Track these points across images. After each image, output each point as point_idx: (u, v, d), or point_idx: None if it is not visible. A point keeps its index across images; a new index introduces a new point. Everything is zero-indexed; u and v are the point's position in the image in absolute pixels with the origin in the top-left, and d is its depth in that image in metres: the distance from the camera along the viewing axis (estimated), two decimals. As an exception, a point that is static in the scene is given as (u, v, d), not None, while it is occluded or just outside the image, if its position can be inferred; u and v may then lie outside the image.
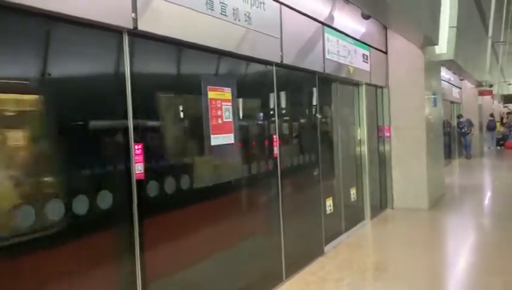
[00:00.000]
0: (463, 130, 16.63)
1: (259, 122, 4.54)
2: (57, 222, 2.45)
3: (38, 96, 2.48)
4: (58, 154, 2.58)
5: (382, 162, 8.14)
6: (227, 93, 3.93)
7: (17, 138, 2.36)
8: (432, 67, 8.76)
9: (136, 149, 2.93)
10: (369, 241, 6.65)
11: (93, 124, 2.74)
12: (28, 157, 2.43)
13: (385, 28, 8.09)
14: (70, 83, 2.64)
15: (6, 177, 2.27)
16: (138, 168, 2.94)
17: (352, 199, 6.98)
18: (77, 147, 2.67)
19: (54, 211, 2.42)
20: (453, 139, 16.68)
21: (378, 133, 8.07)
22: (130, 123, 2.90)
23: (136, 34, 2.94)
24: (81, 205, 2.57)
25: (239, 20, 3.92)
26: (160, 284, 3.16)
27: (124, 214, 2.88)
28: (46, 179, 2.50)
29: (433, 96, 8.71)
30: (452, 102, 16.44)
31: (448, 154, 15.18)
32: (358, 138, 7.34)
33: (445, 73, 13.01)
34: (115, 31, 2.82)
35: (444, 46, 9.29)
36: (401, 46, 8.06)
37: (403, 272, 4.96)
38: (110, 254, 2.83)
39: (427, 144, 8.03)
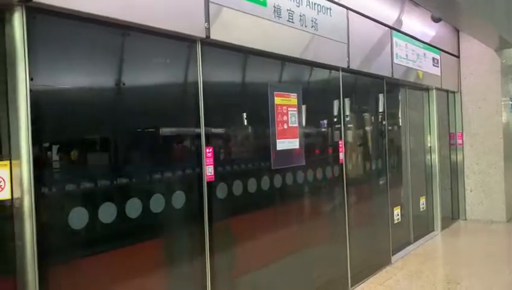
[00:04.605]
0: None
1: (325, 128, 4.53)
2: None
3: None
4: (140, 157, 2.77)
5: (454, 171, 7.77)
6: (293, 98, 3.97)
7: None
8: (510, 70, 8.24)
9: (207, 152, 3.06)
10: (440, 252, 6.36)
11: (171, 129, 2.91)
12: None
13: (457, 31, 7.76)
14: (146, 90, 2.82)
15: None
16: (209, 170, 3.07)
17: (422, 209, 6.72)
18: (155, 151, 2.84)
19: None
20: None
21: (449, 140, 7.73)
22: (202, 127, 3.03)
23: (208, 43, 3.08)
24: (157, 204, 2.74)
25: (306, 27, 3.96)
26: (227, 284, 3.25)
27: (196, 214, 3.01)
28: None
29: (511, 101, 8.18)
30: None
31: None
32: (429, 145, 7.06)
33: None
34: (189, 40, 2.98)
35: (523, 48, 8.70)
36: (474, 49, 7.68)
37: (477, 287, 4.69)
38: (182, 251, 2.97)
39: (505, 152, 7.54)
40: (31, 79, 2.14)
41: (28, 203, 2.09)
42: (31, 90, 2.13)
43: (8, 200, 2.06)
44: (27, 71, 2.12)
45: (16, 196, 2.08)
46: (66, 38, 2.35)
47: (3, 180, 2.04)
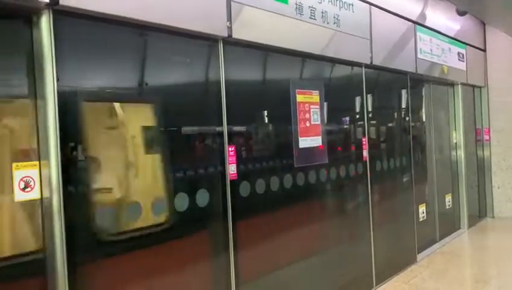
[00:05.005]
0: None
1: (348, 125, 4.49)
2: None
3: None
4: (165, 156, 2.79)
5: (481, 167, 7.58)
6: (315, 96, 3.95)
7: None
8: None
9: (230, 151, 3.07)
10: (467, 251, 6.23)
11: (193, 128, 2.93)
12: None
13: (483, 24, 7.55)
14: (169, 90, 2.84)
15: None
16: (232, 169, 3.08)
17: (448, 206, 6.59)
18: (177, 149, 2.86)
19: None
20: None
21: (476, 136, 7.55)
22: (225, 126, 3.04)
23: (230, 42, 3.08)
24: (181, 203, 2.77)
25: (328, 23, 3.93)
26: (251, 281, 3.26)
27: (219, 212, 3.02)
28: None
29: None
30: None
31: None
32: (454, 141, 6.92)
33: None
34: (212, 40, 2.99)
35: (553, 41, 8.42)
36: (501, 43, 7.47)
37: (506, 287, 4.58)
38: (206, 249, 2.99)
39: (534, 148, 7.33)
40: (58, 80, 2.18)
41: (56, 203, 2.13)
42: (58, 91, 2.17)
43: (37, 199, 2.11)
44: (54, 72, 2.16)
45: (45, 195, 2.13)
46: (90, 39, 2.39)
47: (33, 180, 2.09)
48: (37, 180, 2.10)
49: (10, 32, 2.14)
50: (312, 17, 3.74)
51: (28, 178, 2.07)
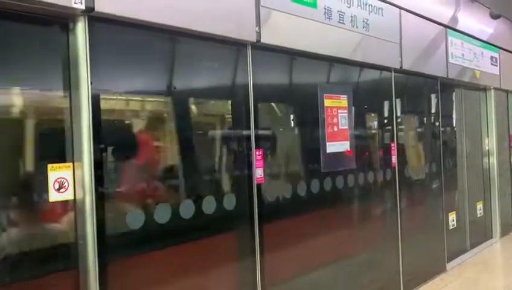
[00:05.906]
0: None
1: (377, 130, 4.43)
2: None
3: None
4: (191, 159, 2.83)
5: (515, 175, 7.34)
6: (343, 100, 3.91)
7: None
8: None
9: (257, 155, 3.08)
10: (499, 261, 6.04)
11: (221, 132, 2.96)
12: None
13: (518, 27, 7.35)
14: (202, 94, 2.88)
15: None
16: (258, 173, 3.08)
17: (479, 215, 6.40)
18: (205, 153, 2.89)
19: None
20: None
21: (510, 143, 7.32)
22: (252, 130, 3.05)
23: (258, 47, 3.09)
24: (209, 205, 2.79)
25: (357, 28, 3.90)
26: (277, 286, 3.25)
27: (246, 215, 3.03)
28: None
29: None
30: None
31: None
32: (486, 148, 6.73)
33: None
34: (240, 45, 3.01)
35: None
36: (537, 46, 7.23)
37: (541, 299, 4.42)
38: (232, 252, 3.01)
39: None
40: (91, 83, 2.24)
41: (89, 204, 2.18)
42: (92, 95, 2.23)
43: (71, 200, 2.17)
44: (89, 76, 2.21)
45: (78, 196, 2.18)
46: (120, 44, 2.45)
47: (67, 181, 2.14)
48: (70, 181, 2.16)
49: (48, 38, 2.21)
50: (341, 21, 3.72)
51: (62, 179, 2.13)
